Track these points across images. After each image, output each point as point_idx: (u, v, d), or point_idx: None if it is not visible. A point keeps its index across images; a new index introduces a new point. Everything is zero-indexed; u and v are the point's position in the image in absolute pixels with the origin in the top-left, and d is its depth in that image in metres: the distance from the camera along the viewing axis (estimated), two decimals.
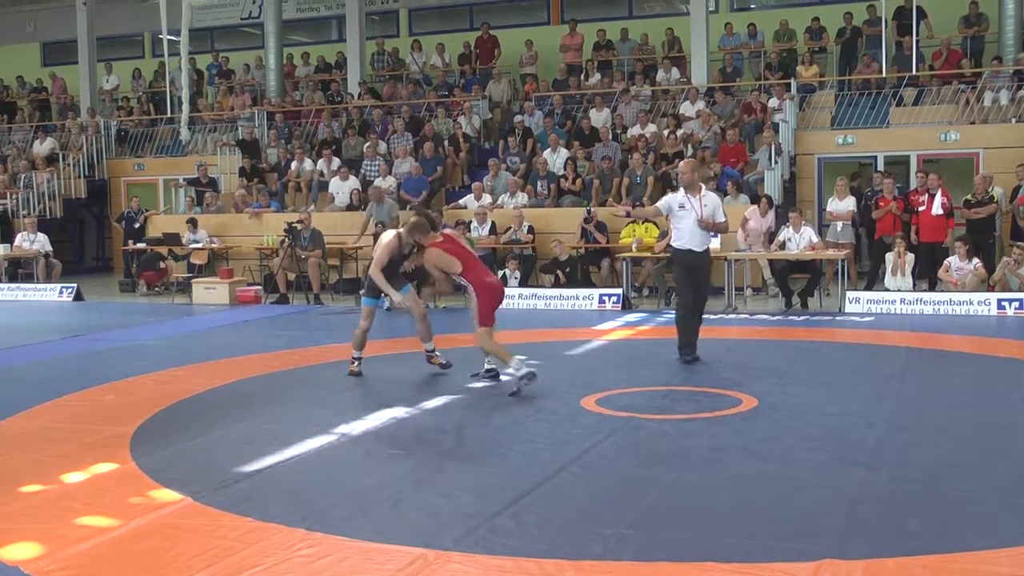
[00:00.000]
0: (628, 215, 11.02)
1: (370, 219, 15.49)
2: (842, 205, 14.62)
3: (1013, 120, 16.54)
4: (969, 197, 14.41)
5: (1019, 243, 13.35)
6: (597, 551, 4.33)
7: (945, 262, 13.16)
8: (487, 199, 16.48)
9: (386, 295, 8.86)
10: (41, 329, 12.59)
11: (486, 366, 8.32)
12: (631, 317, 12.64)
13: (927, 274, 13.75)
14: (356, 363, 8.70)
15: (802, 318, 12.22)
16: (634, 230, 14.92)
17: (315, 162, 18.60)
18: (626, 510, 4.93)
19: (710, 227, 9.12)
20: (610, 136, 17.22)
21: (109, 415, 7.32)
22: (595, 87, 19.60)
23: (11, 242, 18.58)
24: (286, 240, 15.04)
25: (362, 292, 9.46)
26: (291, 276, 15.29)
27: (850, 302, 12.68)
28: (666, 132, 17.14)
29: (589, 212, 15.15)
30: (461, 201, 16.77)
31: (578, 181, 16.49)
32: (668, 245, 9.65)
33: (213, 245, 17.49)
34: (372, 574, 4.17)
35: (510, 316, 12.04)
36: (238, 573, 4.18)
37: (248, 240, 17.42)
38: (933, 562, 4.13)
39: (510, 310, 12.87)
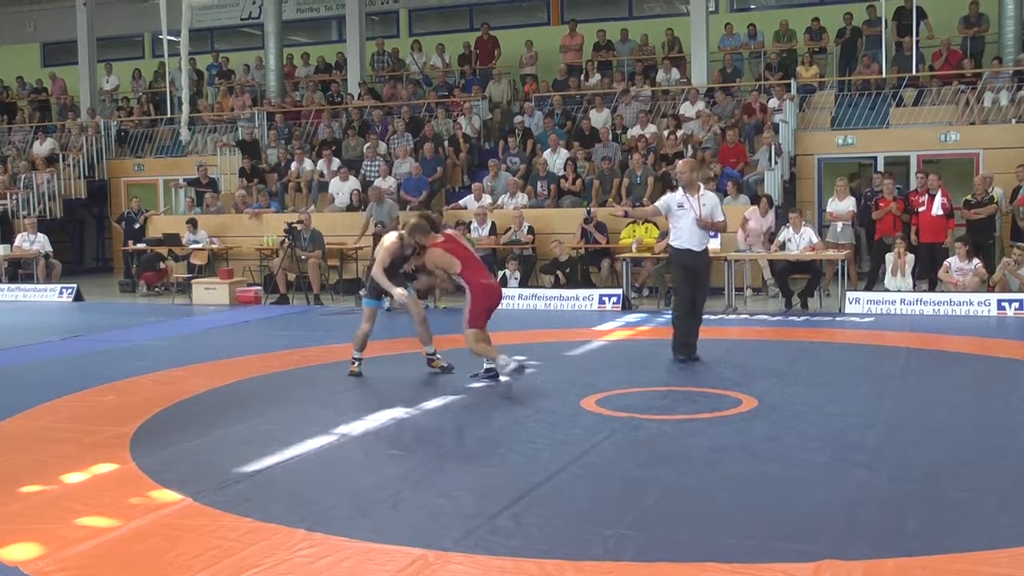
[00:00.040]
0: (626, 215, 11.02)
1: (370, 219, 15.50)
2: (842, 206, 14.62)
3: (1013, 121, 16.54)
4: (969, 198, 14.42)
5: (1019, 244, 13.36)
6: (597, 551, 4.32)
7: (945, 263, 13.16)
8: (487, 200, 16.48)
9: (387, 296, 8.87)
10: (41, 329, 12.59)
11: (485, 366, 8.32)
12: (631, 318, 12.64)
13: (927, 275, 13.75)
14: (356, 364, 8.70)
15: (802, 318, 12.22)
16: (634, 231, 14.92)
17: (315, 163, 18.60)
18: (626, 510, 4.93)
19: (709, 226, 9.14)
20: (610, 137, 17.23)
21: (109, 415, 7.32)
22: (595, 88, 19.61)
23: (11, 243, 18.58)
24: (286, 241, 15.04)
25: (363, 293, 9.46)
26: (291, 277, 15.29)
27: (850, 303, 12.69)
28: (666, 133, 17.14)
29: (589, 213, 15.15)
30: (461, 202, 16.77)
31: (578, 182, 16.49)
32: (667, 245, 9.65)
33: (213, 246, 17.49)
34: (372, 574, 4.17)
35: (510, 316, 12.05)
36: (238, 574, 4.18)
37: (248, 241, 17.43)
38: (933, 563, 4.13)
39: (510, 311, 12.88)
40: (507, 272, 14.84)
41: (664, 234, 13.22)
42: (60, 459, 6.06)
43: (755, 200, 14.84)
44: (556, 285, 14.69)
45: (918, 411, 7.13)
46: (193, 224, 17.50)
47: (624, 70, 20.58)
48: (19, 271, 18.26)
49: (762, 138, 16.25)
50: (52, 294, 16.30)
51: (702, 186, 9.40)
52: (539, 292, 14.18)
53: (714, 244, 12.90)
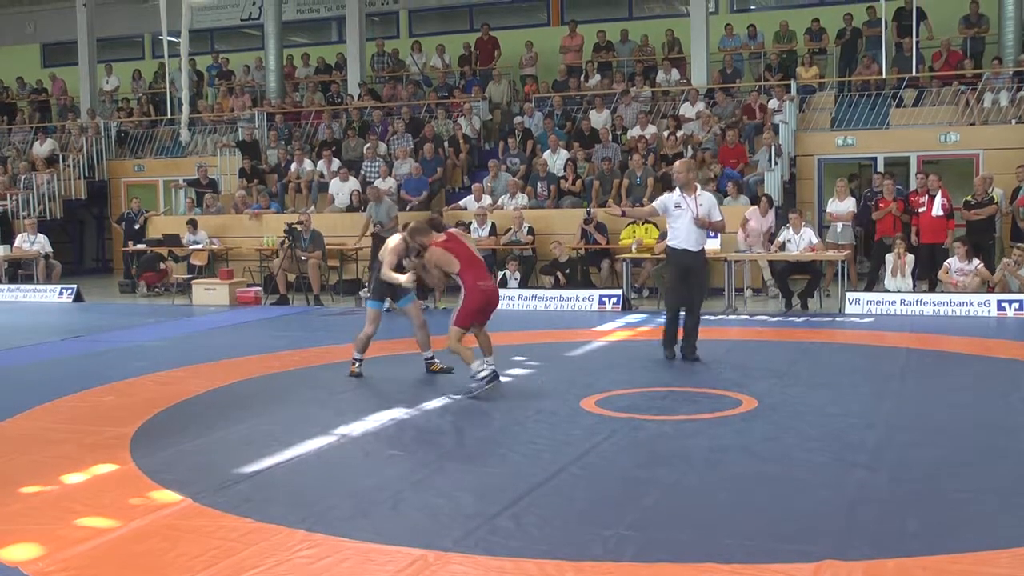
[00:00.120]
0: (623, 214, 11.05)
1: (369, 219, 15.50)
2: (842, 206, 14.62)
3: (1013, 121, 16.54)
4: (969, 198, 14.41)
5: (1019, 244, 13.35)
6: (597, 552, 4.32)
7: (945, 263, 13.16)
8: (487, 200, 16.48)
9: (389, 297, 8.88)
10: (41, 330, 12.59)
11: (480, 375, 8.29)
12: (631, 318, 12.64)
13: (927, 275, 13.75)
14: (357, 364, 8.71)
15: (802, 319, 12.22)
16: (634, 231, 14.93)
17: (315, 163, 18.60)
18: (626, 511, 4.93)
19: (707, 225, 9.16)
20: (610, 137, 17.23)
21: (109, 416, 7.32)
22: (595, 88, 19.60)
23: (11, 243, 18.58)
24: (286, 241, 15.05)
25: (366, 295, 9.45)
26: (291, 277, 15.30)
27: (850, 303, 12.69)
28: (666, 133, 17.14)
29: (589, 213, 15.15)
30: (461, 202, 16.77)
31: (578, 182, 16.49)
32: (665, 245, 9.67)
33: (213, 246, 17.49)
34: (372, 575, 4.17)
35: (510, 317, 12.06)
36: (238, 574, 4.18)
37: (248, 241, 17.43)
38: (933, 563, 4.13)
39: (510, 311, 12.89)
40: (507, 273, 14.84)
41: (664, 235, 13.24)
42: (60, 460, 6.06)
43: (755, 200, 14.84)
44: (556, 286, 14.69)
45: (918, 411, 7.13)
46: (193, 225, 17.50)
47: (624, 71, 20.58)
48: (19, 272, 18.28)
49: (762, 139, 16.25)
50: (52, 295, 16.30)
51: (699, 186, 9.43)
52: (539, 293, 14.19)
53: (714, 245, 12.93)
